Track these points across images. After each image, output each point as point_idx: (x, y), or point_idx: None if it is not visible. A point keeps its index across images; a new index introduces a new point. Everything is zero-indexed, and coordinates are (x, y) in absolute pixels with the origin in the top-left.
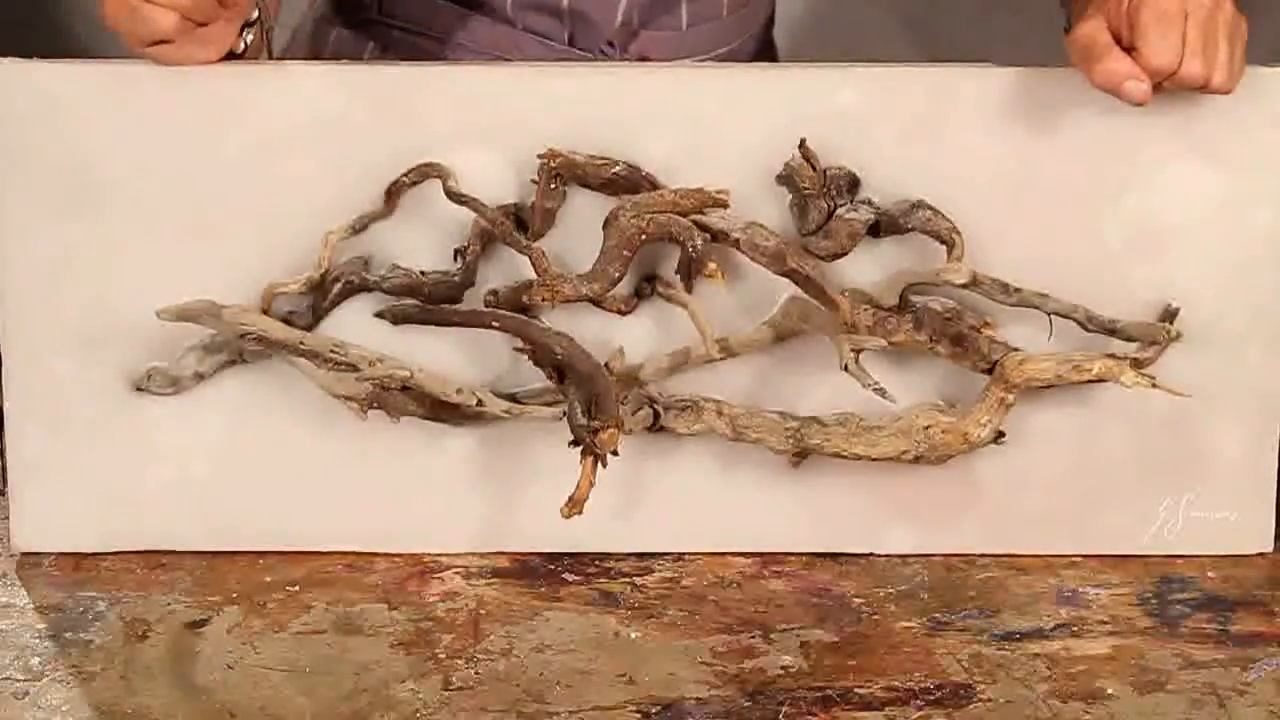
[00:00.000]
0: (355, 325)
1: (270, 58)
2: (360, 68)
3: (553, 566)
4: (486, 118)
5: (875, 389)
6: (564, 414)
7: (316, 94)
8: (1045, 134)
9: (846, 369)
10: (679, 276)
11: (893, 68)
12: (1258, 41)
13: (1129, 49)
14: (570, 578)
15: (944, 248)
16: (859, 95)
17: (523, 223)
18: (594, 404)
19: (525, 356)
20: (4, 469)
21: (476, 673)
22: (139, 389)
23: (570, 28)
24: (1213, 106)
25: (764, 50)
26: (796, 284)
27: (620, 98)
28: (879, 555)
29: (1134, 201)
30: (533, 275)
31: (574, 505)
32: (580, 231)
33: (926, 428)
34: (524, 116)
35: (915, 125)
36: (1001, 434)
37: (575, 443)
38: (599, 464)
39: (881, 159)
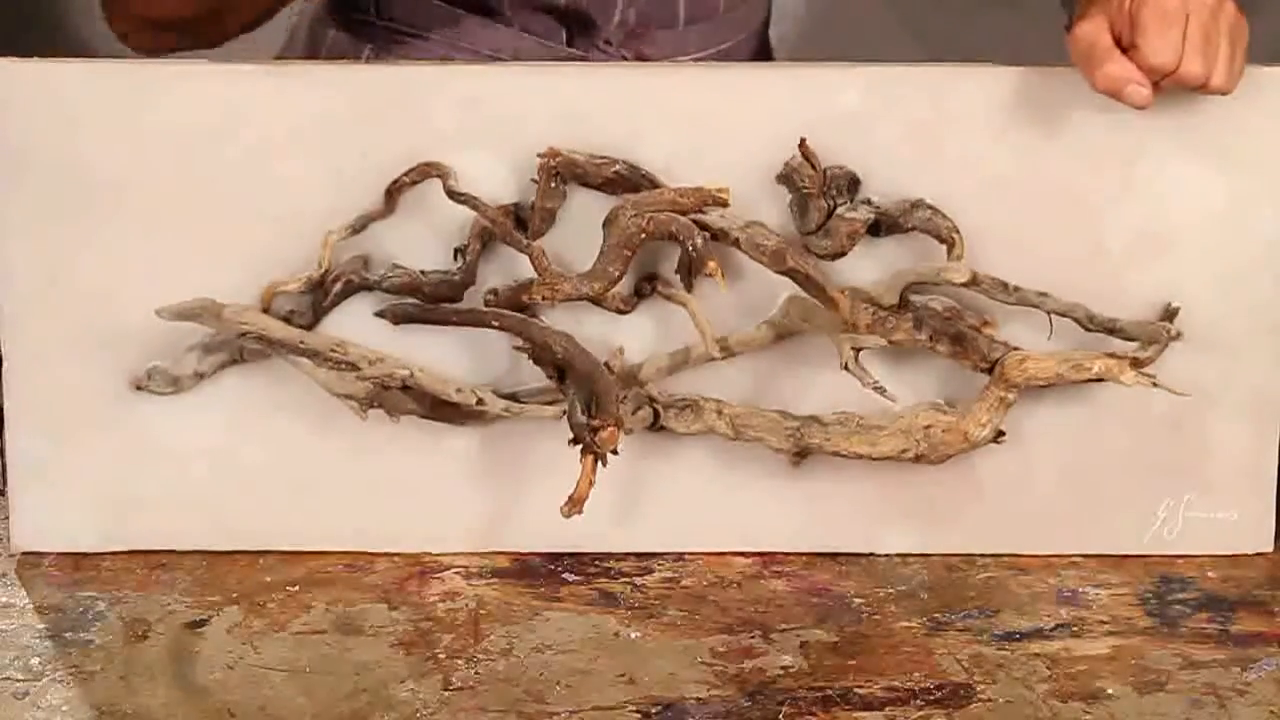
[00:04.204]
0: (355, 325)
1: None
2: (360, 68)
3: (553, 566)
4: (486, 117)
5: (875, 388)
6: (564, 413)
7: (316, 94)
8: (1046, 134)
9: (846, 368)
10: (679, 276)
11: (894, 67)
12: (1258, 42)
13: (1129, 47)
14: (570, 578)
15: (944, 247)
16: (860, 95)
17: (522, 222)
18: (594, 403)
19: (525, 356)
20: (4, 469)
21: (476, 673)
22: (139, 388)
23: (567, 27)
24: (1213, 106)
25: (760, 48)
26: (796, 283)
27: (620, 97)
28: (879, 555)
29: (1134, 201)
30: (533, 274)
31: (574, 505)
32: (580, 231)
33: (927, 427)
34: (524, 116)
35: (916, 125)
36: (1002, 433)
37: (575, 441)
38: (599, 463)
39: (882, 159)
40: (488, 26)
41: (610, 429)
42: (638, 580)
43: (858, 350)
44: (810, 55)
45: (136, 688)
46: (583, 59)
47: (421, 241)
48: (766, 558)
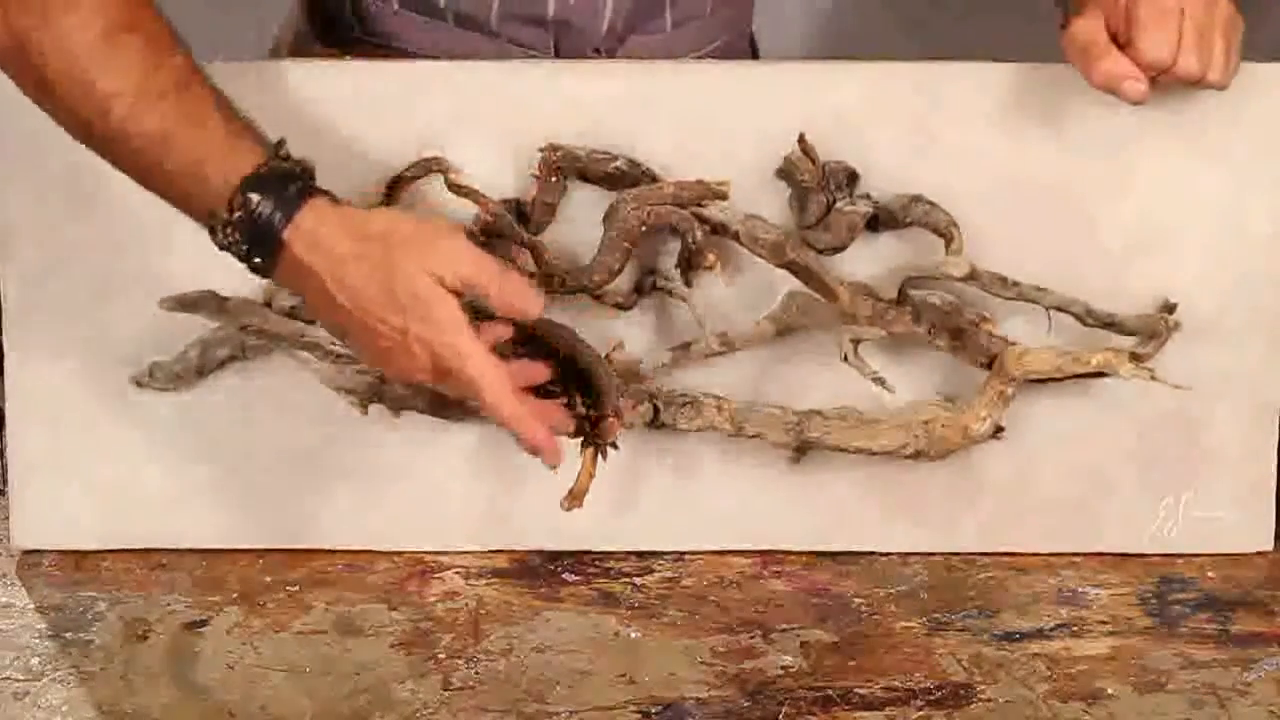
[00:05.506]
0: None
1: None
2: (361, 64)
3: (553, 566)
4: (487, 113)
5: (874, 378)
6: (565, 407)
7: (318, 91)
8: (1043, 130)
9: (846, 359)
10: (679, 270)
11: (891, 64)
12: (1258, 40)
13: (1125, 43)
14: (570, 578)
15: (943, 243)
16: (858, 91)
17: (523, 216)
18: (594, 396)
19: (526, 351)
20: (4, 468)
21: (476, 673)
22: (140, 384)
23: (555, 37)
24: (1211, 102)
25: (749, 47)
26: (796, 275)
27: (621, 93)
28: (879, 555)
29: (1132, 198)
30: (533, 268)
31: (574, 498)
32: (580, 225)
33: (926, 422)
34: (524, 111)
35: (914, 121)
36: (1001, 429)
37: (575, 434)
38: (599, 456)
39: (880, 155)
40: (475, 38)
41: (610, 420)
42: (638, 580)
43: (857, 342)
44: (808, 52)
45: (136, 688)
46: None
47: None
48: (766, 557)
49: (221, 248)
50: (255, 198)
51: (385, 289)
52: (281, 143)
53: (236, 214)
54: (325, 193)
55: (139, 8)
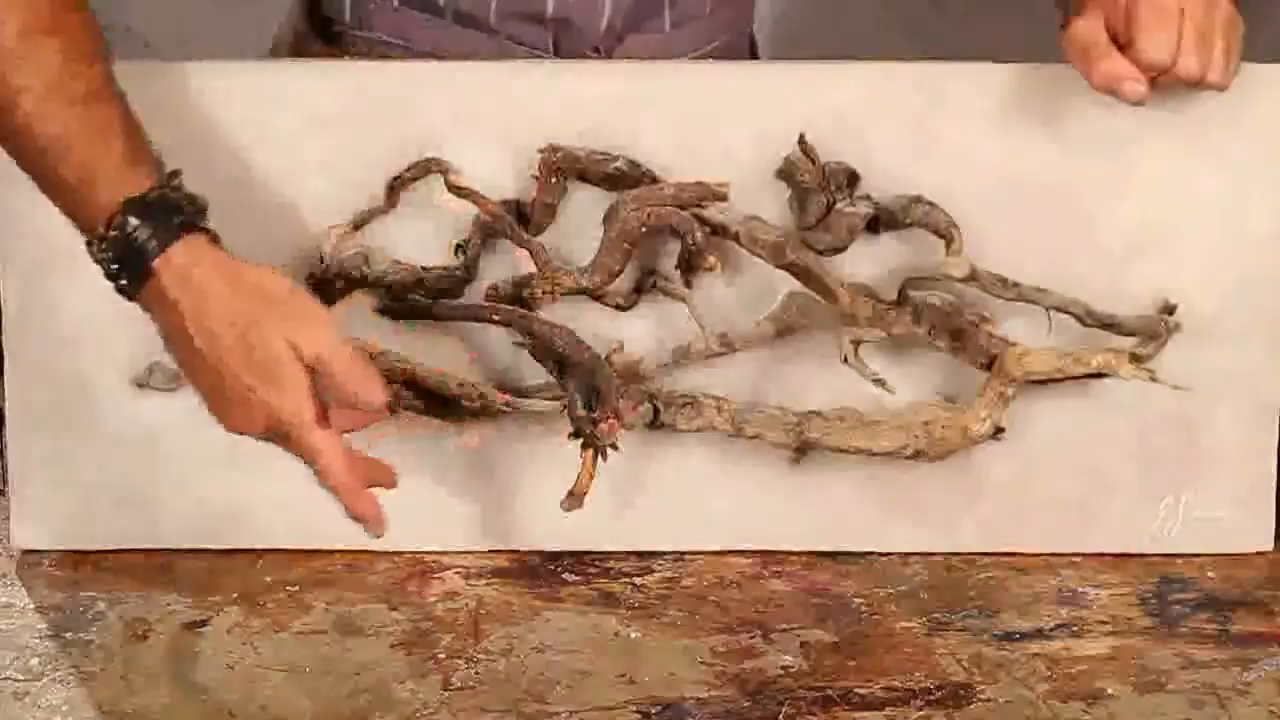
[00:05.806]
0: (356, 320)
1: None
2: (361, 65)
3: (553, 566)
4: (487, 113)
5: (875, 380)
6: (564, 407)
7: (317, 90)
8: (1043, 131)
9: (846, 361)
10: (679, 271)
11: (891, 64)
12: (1258, 40)
13: (1125, 44)
14: (570, 578)
15: (943, 244)
16: (858, 92)
17: (524, 217)
18: (594, 396)
19: (526, 352)
20: (4, 468)
21: (476, 673)
22: (140, 385)
23: (554, 35)
24: (1211, 103)
25: (748, 48)
26: (796, 276)
27: (621, 93)
28: (879, 555)
29: (1132, 198)
30: (533, 270)
31: (574, 499)
32: (580, 227)
33: (926, 423)
34: (524, 112)
35: (914, 122)
36: (1001, 429)
37: (575, 435)
38: (599, 457)
39: (880, 155)
40: (473, 36)
41: (611, 421)
42: (638, 580)
43: (857, 344)
44: (807, 53)
45: (136, 688)
46: None
47: (423, 237)
48: (766, 557)
49: (94, 261)
50: (134, 221)
51: (242, 342)
52: (176, 173)
53: (113, 233)
54: (208, 232)
55: (65, 11)
